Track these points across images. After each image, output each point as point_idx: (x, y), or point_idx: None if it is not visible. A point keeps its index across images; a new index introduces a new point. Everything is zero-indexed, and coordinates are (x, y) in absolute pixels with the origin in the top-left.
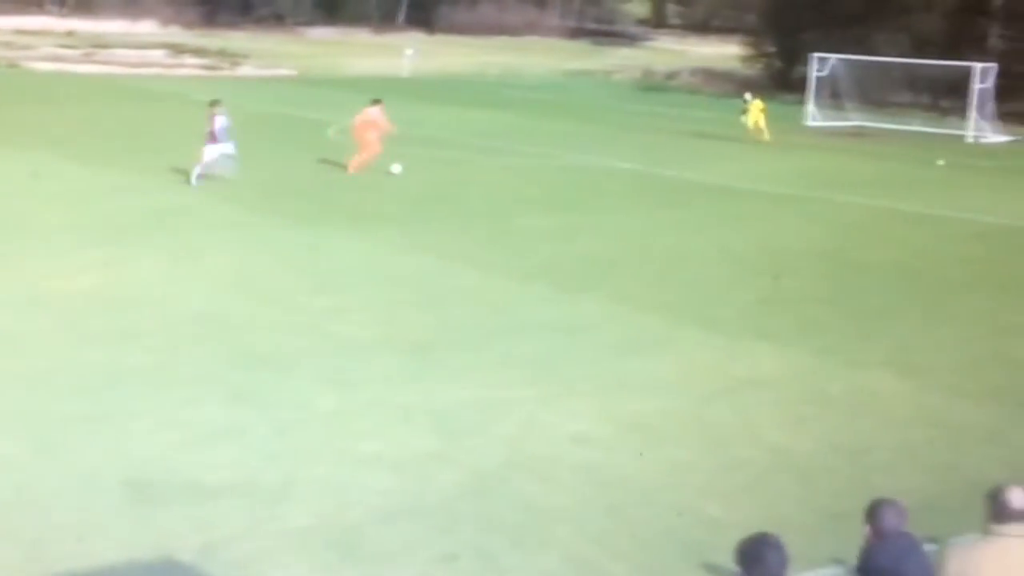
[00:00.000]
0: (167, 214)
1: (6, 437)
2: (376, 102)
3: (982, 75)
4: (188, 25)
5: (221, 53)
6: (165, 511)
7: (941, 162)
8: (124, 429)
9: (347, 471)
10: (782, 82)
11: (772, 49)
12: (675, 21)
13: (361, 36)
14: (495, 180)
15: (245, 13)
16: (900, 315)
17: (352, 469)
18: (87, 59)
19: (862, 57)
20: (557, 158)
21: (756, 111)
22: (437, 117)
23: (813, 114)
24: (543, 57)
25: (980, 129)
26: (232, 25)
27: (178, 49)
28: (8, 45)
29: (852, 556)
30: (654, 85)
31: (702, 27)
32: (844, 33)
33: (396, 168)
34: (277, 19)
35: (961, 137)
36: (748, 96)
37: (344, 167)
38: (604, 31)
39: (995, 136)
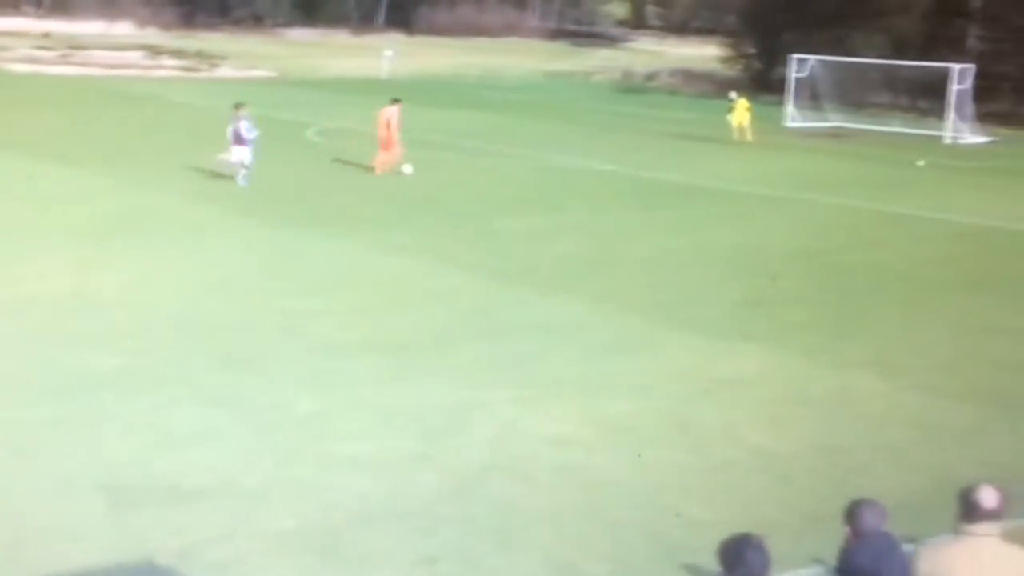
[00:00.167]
0: (144, 216)
1: None
2: (395, 101)
3: (960, 76)
4: (166, 26)
5: (199, 54)
6: (143, 515)
7: (921, 162)
8: (101, 432)
9: (327, 473)
10: (762, 83)
11: (751, 50)
12: (655, 22)
13: (340, 37)
14: (475, 181)
15: (223, 14)
16: (880, 316)
17: (332, 471)
18: (64, 60)
19: (841, 58)
20: (537, 159)
21: (741, 110)
22: (416, 118)
23: (793, 115)
24: (523, 58)
25: (958, 130)
26: (210, 26)
27: (156, 50)
28: None
29: (833, 556)
30: (634, 86)
31: (681, 28)
32: (823, 34)
33: (408, 168)
34: (256, 20)
35: (939, 138)
36: (733, 95)
37: (329, 168)
38: (584, 32)
39: (973, 137)
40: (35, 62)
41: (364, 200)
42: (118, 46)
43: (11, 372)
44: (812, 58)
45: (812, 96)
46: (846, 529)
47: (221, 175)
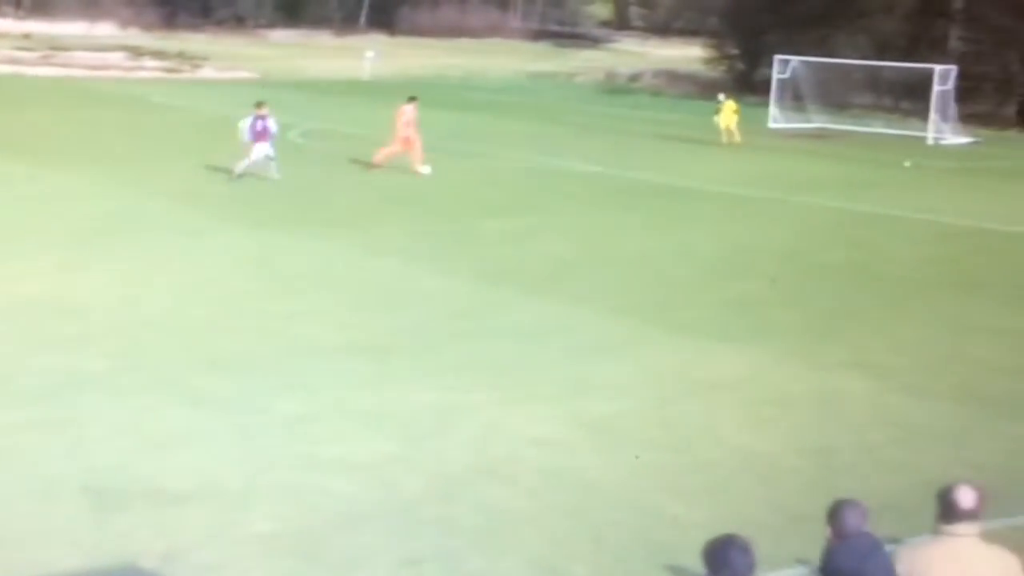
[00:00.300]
0: (125, 218)
1: None
2: (412, 100)
3: (942, 77)
4: (147, 27)
5: (181, 55)
6: (126, 517)
7: (908, 163)
8: (83, 435)
9: (310, 476)
10: (745, 84)
11: (734, 51)
12: (638, 23)
13: (322, 38)
14: (459, 182)
15: (205, 15)
16: (863, 316)
17: (315, 474)
18: (45, 61)
19: (823, 59)
20: (520, 160)
21: (728, 112)
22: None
23: (775, 116)
24: (505, 59)
25: (940, 131)
26: (192, 27)
27: (137, 51)
28: None
29: (816, 557)
30: (617, 87)
31: (664, 29)
32: (806, 35)
33: (426, 169)
34: (238, 21)
35: (922, 139)
36: (721, 97)
37: (312, 169)
38: (567, 33)
39: (955, 138)
40: (15, 63)
41: (347, 202)
42: (99, 47)
43: None
44: (794, 59)
45: (795, 97)
46: (828, 530)
47: (201, 177)
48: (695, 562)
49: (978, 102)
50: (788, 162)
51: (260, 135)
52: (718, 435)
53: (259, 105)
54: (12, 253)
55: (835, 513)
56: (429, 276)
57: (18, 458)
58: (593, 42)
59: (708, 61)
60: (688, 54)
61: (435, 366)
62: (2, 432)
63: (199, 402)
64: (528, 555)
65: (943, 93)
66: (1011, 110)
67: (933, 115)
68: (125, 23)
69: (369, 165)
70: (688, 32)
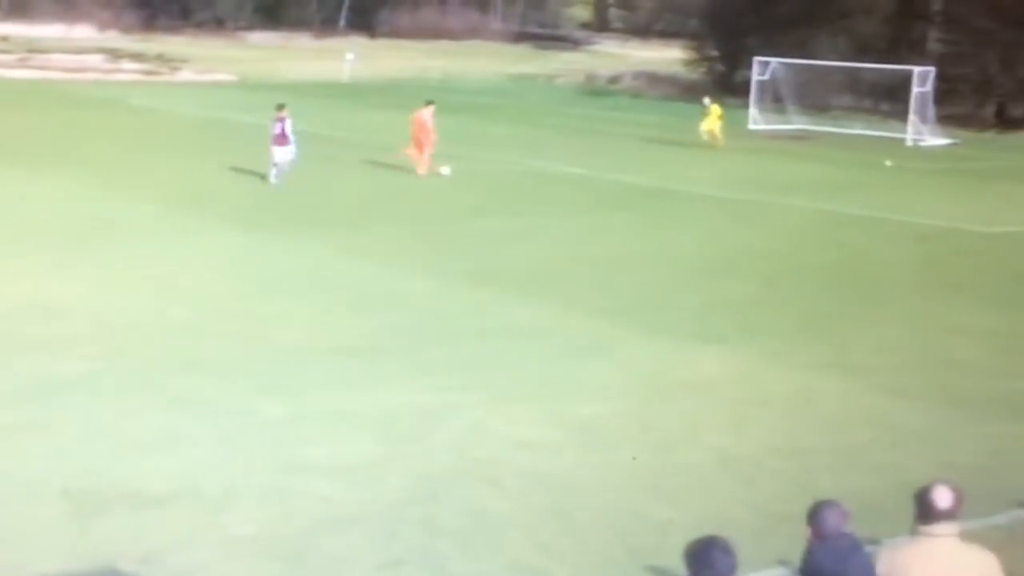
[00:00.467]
0: (103, 221)
1: None
2: (429, 103)
3: (921, 79)
4: (126, 30)
5: (160, 58)
6: (105, 520)
7: (888, 163)
8: (62, 438)
9: (291, 478)
10: (725, 86)
11: (714, 53)
12: (617, 25)
13: (302, 41)
14: (440, 185)
15: (184, 18)
16: (841, 317)
17: (296, 476)
18: (22, 64)
19: (802, 61)
20: (501, 162)
21: (714, 117)
22: (378, 121)
23: (755, 118)
24: (485, 61)
25: (919, 132)
26: (171, 30)
27: (116, 54)
28: None
29: (797, 557)
30: (597, 89)
31: (644, 31)
32: (785, 37)
33: (446, 170)
34: (217, 24)
35: (901, 140)
36: (707, 101)
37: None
38: (547, 35)
39: (934, 139)
40: None
41: (327, 204)
42: (78, 49)
43: None
44: (774, 61)
45: (775, 99)
46: (809, 531)
47: (182, 179)
48: (677, 563)
49: (957, 104)
50: (769, 164)
51: (279, 138)
52: (700, 436)
53: (279, 108)
54: None
55: (815, 514)
56: (412, 278)
57: None
58: (573, 44)
59: (688, 63)
60: (668, 56)
61: (418, 368)
62: None
63: (181, 404)
64: (511, 556)
65: (922, 95)
66: (989, 111)
67: (912, 116)
68: (103, 25)
69: (417, 175)
70: (668, 34)
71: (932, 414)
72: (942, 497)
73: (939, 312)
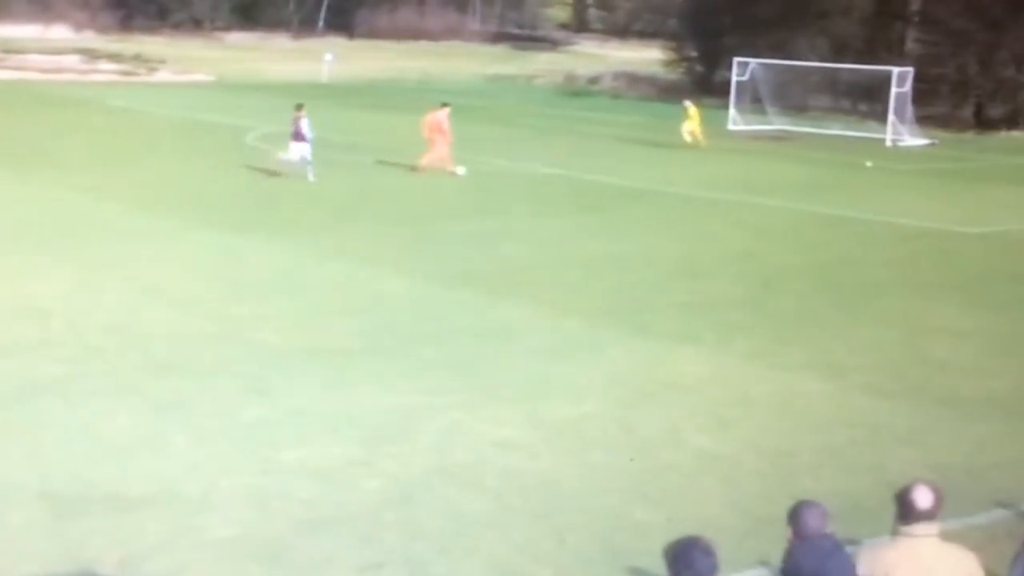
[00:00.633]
0: (80, 222)
1: None
2: (444, 105)
3: (899, 79)
4: (102, 30)
5: (137, 58)
6: (83, 524)
7: (869, 163)
8: (38, 441)
9: (270, 480)
10: (704, 86)
11: (693, 53)
12: (596, 26)
13: (279, 41)
14: (417, 185)
15: (161, 18)
16: (821, 317)
17: (275, 478)
18: None
19: (781, 61)
20: (479, 163)
21: (694, 118)
22: (357, 122)
23: (735, 118)
24: (464, 62)
25: (898, 133)
26: (148, 30)
27: (93, 55)
28: None
29: (778, 558)
30: (577, 89)
31: (623, 32)
32: (764, 38)
33: (461, 170)
34: (194, 24)
35: (880, 141)
36: (687, 103)
37: (270, 173)
38: (525, 36)
39: (913, 140)
40: None
41: (305, 205)
42: (54, 50)
43: None
44: (753, 61)
45: (754, 99)
46: (789, 531)
47: (159, 180)
48: (658, 564)
49: (935, 104)
50: (748, 164)
51: (297, 136)
52: (680, 437)
53: (298, 107)
54: None
55: (795, 514)
56: (390, 279)
57: None
58: (552, 45)
59: (667, 63)
60: (647, 56)
61: (397, 369)
62: None
63: (159, 407)
64: (491, 558)
65: (901, 95)
66: (968, 112)
67: (891, 117)
68: (80, 26)
69: (443, 175)
70: (647, 34)
71: (914, 414)
72: (922, 497)
73: (920, 312)
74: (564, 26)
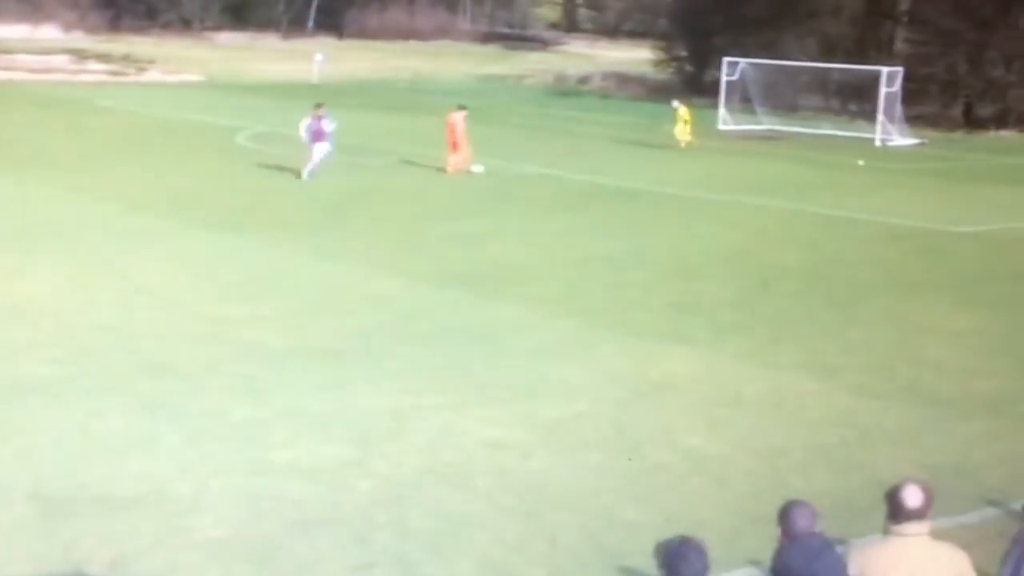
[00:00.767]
0: (70, 223)
1: None
2: (461, 108)
3: (889, 79)
4: (92, 30)
5: (126, 58)
6: (74, 524)
7: (861, 162)
8: (29, 442)
9: (261, 481)
10: (694, 86)
11: (683, 53)
12: (587, 26)
13: (269, 41)
14: (406, 186)
15: (150, 18)
16: (813, 317)
17: (266, 478)
18: None
19: (771, 61)
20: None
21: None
22: (348, 123)
23: (725, 118)
24: (455, 62)
25: (888, 132)
26: (137, 30)
27: (82, 55)
28: None
29: (768, 557)
30: (567, 89)
31: (613, 31)
32: (754, 37)
33: (478, 168)
34: (184, 24)
35: (870, 140)
36: (676, 103)
37: (260, 173)
38: (516, 36)
39: (902, 139)
40: None
41: (295, 205)
42: (43, 50)
43: None
44: (743, 61)
45: (744, 99)
46: (779, 531)
47: (148, 180)
48: (649, 564)
49: (924, 104)
50: (738, 164)
51: (317, 135)
52: (670, 437)
53: (317, 107)
54: None
55: (785, 514)
56: (382, 279)
57: None
58: (542, 44)
59: (657, 63)
60: (637, 56)
61: (388, 369)
62: None
63: (149, 407)
64: (482, 558)
65: (890, 95)
66: (957, 111)
67: (881, 117)
68: (69, 26)
69: (442, 171)
70: (637, 34)
71: (903, 414)
72: (912, 496)
73: (910, 312)
74: (554, 26)
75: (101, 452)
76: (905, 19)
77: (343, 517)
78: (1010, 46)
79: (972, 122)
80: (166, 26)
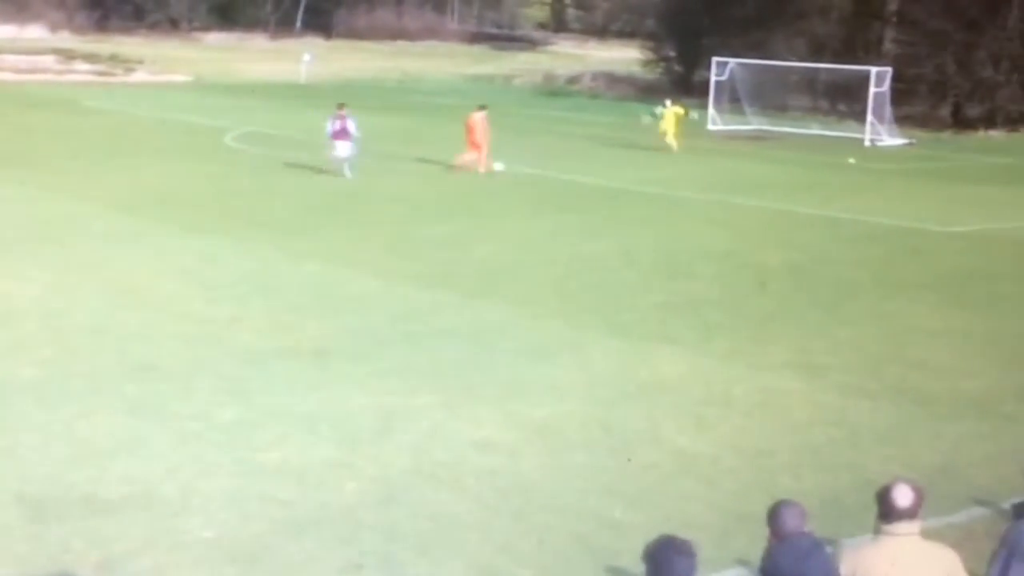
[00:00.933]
0: (56, 224)
1: None
2: (481, 108)
3: (878, 79)
4: (79, 30)
5: (113, 59)
6: (61, 527)
7: (852, 160)
8: (16, 444)
9: (248, 482)
10: (683, 87)
11: (672, 53)
12: (575, 26)
13: (257, 41)
14: (395, 185)
15: (137, 18)
16: (800, 317)
17: (253, 480)
18: None
19: (759, 61)
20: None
21: (671, 119)
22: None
23: (714, 118)
24: (443, 62)
25: (876, 132)
26: (125, 30)
27: (69, 55)
28: None
29: (757, 557)
30: (555, 89)
31: (602, 31)
32: (743, 38)
33: (499, 166)
34: (171, 24)
35: (859, 140)
36: (668, 103)
37: (247, 174)
38: (504, 36)
39: (891, 139)
40: None
41: (283, 206)
42: (30, 50)
43: None
44: (732, 61)
45: (733, 99)
46: (768, 530)
47: (134, 181)
48: (638, 564)
49: (913, 104)
50: (727, 164)
51: (339, 134)
52: (658, 436)
53: (340, 107)
54: None
55: (774, 514)
56: (367, 280)
57: None
58: (531, 44)
59: (646, 64)
60: (626, 56)
61: (375, 370)
62: None
63: (136, 409)
64: (471, 559)
65: (878, 95)
66: (945, 111)
67: (870, 117)
68: (55, 26)
69: (450, 168)
70: (626, 34)
71: (892, 413)
72: (903, 496)
73: (898, 312)
74: (542, 26)
75: (88, 454)
76: (894, 19)
77: (331, 518)
78: (998, 46)
79: (961, 122)
80: (153, 26)
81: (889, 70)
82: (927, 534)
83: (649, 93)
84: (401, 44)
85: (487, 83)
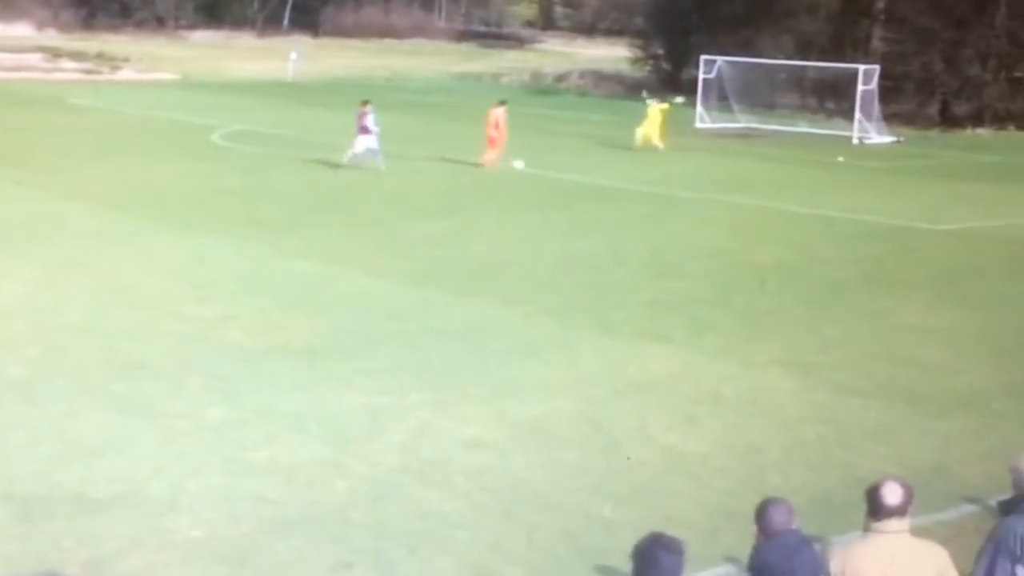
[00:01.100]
0: (44, 222)
1: None
2: (501, 103)
3: (865, 77)
4: (65, 28)
5: (100, 57)
6: (49, 526)
7: (841, 158)
8: (3, 443)
9: (237, 481)
10: (671, 84)
11: (660, 51)
12: (563, 24)
13: (244, 39)
14: (384, 184)
15: (124, 16)
16: (789, 315)
17: (242, 479)
18: None
19: (748, 59)
20: (445, 161)
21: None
22: (323, 121)
23: (702, 116)
24: (431, 60)
25: (864, 130)
26: (111, 28)
27: (55, 53)
28: None
29: (746, 554)
30: (544, 87)
31: (590, 29)
32: (731, 36)
33: (519, 164)
34: (158, 22)
35: (847, 138)
36: (646, 96)
37: (235, 172)
38: (492, 34)
39: (879, 137)
40: None
41: (270, 204)
42: (16, 48)
43: None
44: (720, 59)
45: (721, 97)
46: (756, 528)
47: (122, 179)
48: (626, 562)
49: (901, 101)
50: (716, 162)
51: (363, 130)
52: (649, 434)
53: (363, 103)
54: None
55: (762, 511)
56: (356, 278)
57: None
58: (519, 42)
59: (634, 61)
60: (614, 54)
61: (364, 368)
62: None
63: (123, 408)
64: (460, 557)
65: (866, 92)
66: (933, 109)
67: (858, 114)
68: (42, 24)
69: (476, 166)
70: (614, 32)
71: (882, 411)
72: (892, 493)
73: (888, 309)
74: (530, 24)
75: (76, 452)
76: (881, 17)
77: (320, 517)
78: (986, 44)
79: (948, 120)
80: (140, 24)
81: (877, 68)
82: (917, 531)
83: (637, 91)
84: (389, 42)
85: (475, 81)
